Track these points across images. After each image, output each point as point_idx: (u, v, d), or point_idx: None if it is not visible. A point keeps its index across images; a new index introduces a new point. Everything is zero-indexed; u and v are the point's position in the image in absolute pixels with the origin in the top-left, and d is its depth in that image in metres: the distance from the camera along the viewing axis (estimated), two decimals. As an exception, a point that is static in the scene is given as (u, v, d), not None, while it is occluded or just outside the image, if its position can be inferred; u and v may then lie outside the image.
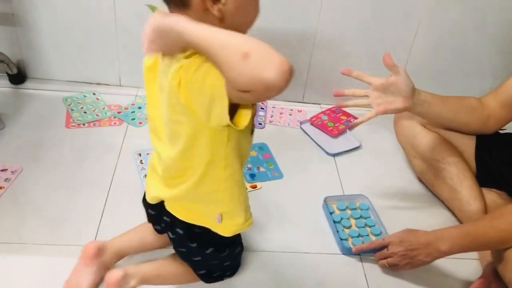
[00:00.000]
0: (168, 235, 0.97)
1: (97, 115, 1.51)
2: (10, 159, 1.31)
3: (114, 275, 0.95)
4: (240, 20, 0.72)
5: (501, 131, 1.28)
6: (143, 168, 1.33)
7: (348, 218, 1.26)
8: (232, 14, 0.69)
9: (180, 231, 0.93)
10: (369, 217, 1.27)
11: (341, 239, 1.19)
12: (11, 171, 1.27)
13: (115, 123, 1.50)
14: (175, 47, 0.70)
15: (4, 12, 1.50)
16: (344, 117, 1.65)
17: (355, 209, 1.29)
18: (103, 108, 1.55)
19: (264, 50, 0.59)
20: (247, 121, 0.70)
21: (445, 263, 1.08)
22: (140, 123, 1.51)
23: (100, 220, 1.17)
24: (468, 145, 1.28)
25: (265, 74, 0.58)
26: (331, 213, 1.27)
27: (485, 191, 1.24)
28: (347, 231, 1.23)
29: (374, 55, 1.60)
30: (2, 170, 1.26)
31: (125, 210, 1.20)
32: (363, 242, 1.18)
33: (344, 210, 1.29)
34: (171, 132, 0.80)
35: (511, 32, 1.55)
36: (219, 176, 0.83)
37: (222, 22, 0.69)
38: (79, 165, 1.32)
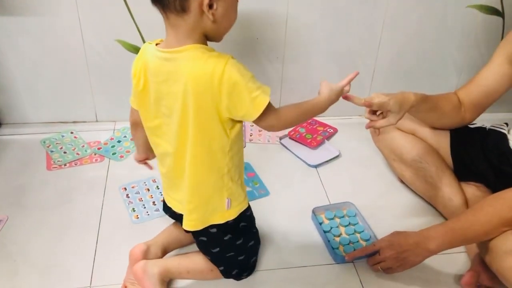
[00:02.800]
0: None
1: (77, 154, 1.51)
2: (-6, 209, 1.30)
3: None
4: (225, 23, 0.87)
5: (471, 126, 1.33)
6: (130, 202, 1.34)
7: (337, 227, 1.29)
8: (221, 17, 0.85)
9: None
10: (357, 223, 1.31)
11: (333, 248, 1.22)
12: (-3, 221, 1.26)
13: (96, 160, 1.50)
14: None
15: (-29, 61, 1.49)
16: (321, 128, 1.69)
17: (343, 217, 1.32)
18: (83, 146, 1.55)
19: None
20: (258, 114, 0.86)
21: (435, 260, 1.11)
22: (122, 156, 1.51)
23: (94, 260, 1.16)
24: (443, 142, 1.33)
25: None
26: (320, 224, 1.29)
27: (464, 185, 1.29)
28: (337, 239, 1.26)
29: (343, 66, 1.66)
30: (-12, 222, 1.25)
31: (118, 246, 1.20)
32: (354, 249, 1.21)
33: (332, 219, 1.32)
34: (184, 126, 0.89)
35: (469, 30, 1.62)
36: (223, 161, 0.94)
37: (213, 23, 0.85)
38: (65, 207, 1.32)
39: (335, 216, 1.32)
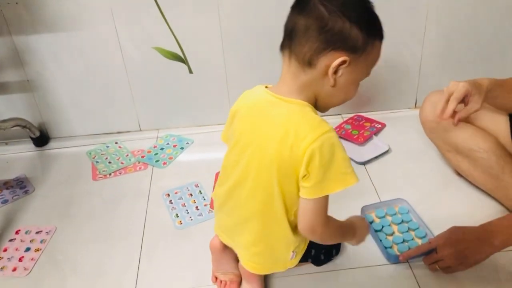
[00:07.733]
0: None
1: (121, 163, 1.52)
2: (43, 221, 1.32)
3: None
4: (342, 93, 0.85)
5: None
6: (173, 208, 1.32)
7: (389, 225, 1.21)
8: (340, 85, 0.82)
9: None
10: (411, 220, 1.22)
11: (386, 248, 1.14)
12: (46, 232, 1.28)
13: (140, 168, 1.50)
14: None
15: (19, 80, 1.54)
16: (367, 124, 1.61)
17: (394, 214, 1.24)
18: (127, 155, 1.56)
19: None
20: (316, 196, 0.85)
21: (502, 256, 1.01)
22: (165, 163, 1.51)
23: (138, 267, 1.15)
24: (501, 128, 1.21)
25: None
26: (370, 223, 1.22)
27: (529, 174, 1.17)
28: (390, 238, 1.17)
29: (387, 58, 1.57)
30: (37, 232, 1.28)
31: (161, 252, 1.19)
32: (409, 248, 1.12)
33: (383, 217, 1.23)
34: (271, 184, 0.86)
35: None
36: (294, 218, 0.90)
37: (331, 88, 0.82)
38: (111, 216, 1.32)
39: (386, 214, 1.24)
